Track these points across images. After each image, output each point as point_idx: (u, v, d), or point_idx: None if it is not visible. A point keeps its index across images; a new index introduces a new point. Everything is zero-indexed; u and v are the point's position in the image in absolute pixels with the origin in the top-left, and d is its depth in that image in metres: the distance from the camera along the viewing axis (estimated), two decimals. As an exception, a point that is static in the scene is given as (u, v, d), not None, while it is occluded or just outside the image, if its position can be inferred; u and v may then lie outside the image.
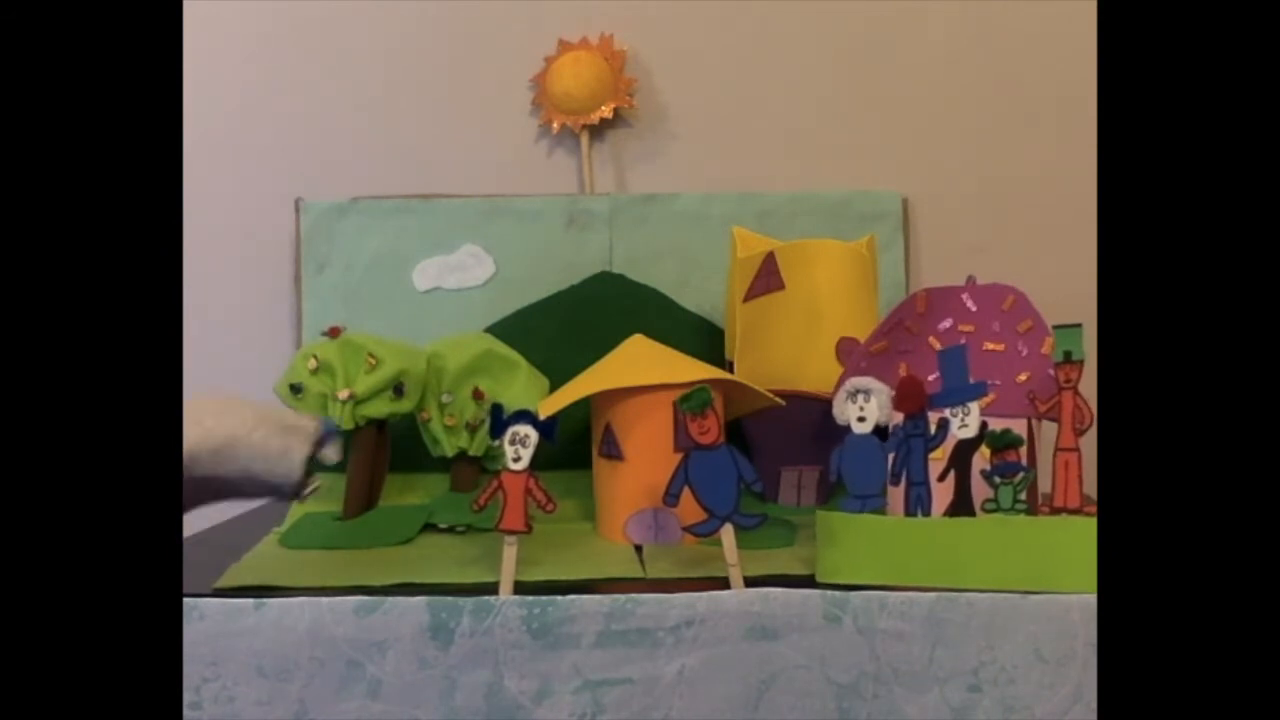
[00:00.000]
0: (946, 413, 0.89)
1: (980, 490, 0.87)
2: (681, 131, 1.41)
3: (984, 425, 0.88)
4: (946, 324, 1.03)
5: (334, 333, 1.06)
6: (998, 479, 0.86)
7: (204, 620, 0.77)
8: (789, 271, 1.12)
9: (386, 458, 1.10)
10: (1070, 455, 0.88)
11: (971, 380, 0.91)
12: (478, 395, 1.12)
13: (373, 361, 1.03)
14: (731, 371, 1.10)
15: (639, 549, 0.93)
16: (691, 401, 0.81)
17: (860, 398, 0.90)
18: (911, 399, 0.88)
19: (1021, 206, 1.40)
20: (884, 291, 1.22)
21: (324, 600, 0.78)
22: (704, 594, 0.78)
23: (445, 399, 1.11)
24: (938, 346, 1.00)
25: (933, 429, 0.88)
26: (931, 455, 0.88)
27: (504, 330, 1.26)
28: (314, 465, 0.81)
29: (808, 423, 1.06)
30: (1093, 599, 0.75)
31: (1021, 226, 1.39)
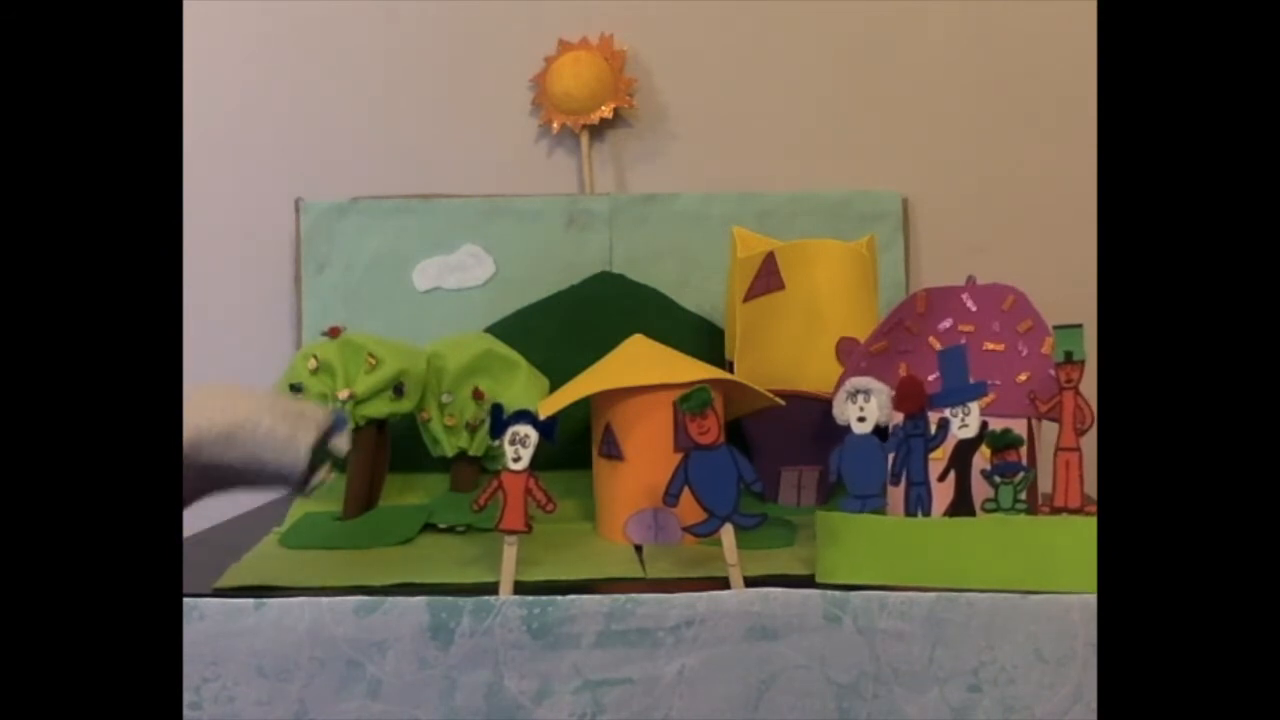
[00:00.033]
0: (946, 413, 0.89)
1: (980, 490, 0.87)
2: (681, 131, 1.41)
3: (984, 425, 0.88)
4: (946, 324, 1.03)
5: (334, 333, 1.06)
6: (998, 479, 0.86)
7: (204, 620, 0.77)
8: (789, 271, 1.12)
9: (386, 458, 1.11)
10: (1071, 455, 0.88)
11: (971, 380, 0.91)
12: (478, 395, 1.12)
13: (373, 361, 1.03)
14: (731, 371, 1.10)
15: (639, 549, 0.93)
16: (691, 401, 0.81)
17: (860, 398, 0.90)
18: (911, 399, 0.88)
19: (1021, 206, 1.40)
20: (884, 291, 1.22)
21: (324, 600, 0.78)
22: (704, 594, 0.78)
23: (445, 399, 1.11)
24: (938, 346, 1.00)
25: (933, 429, 0.88)
26: (931, 455, 0.88)
27: (504, 330, 1.26)
28: (322, 455, 0.80)
29: (808, 423, 1.06)
30: (1093, 599, 0.76)
31: (1021, 226, 1.39)
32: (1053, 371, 0.91)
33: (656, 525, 0.86)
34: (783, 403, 1.05)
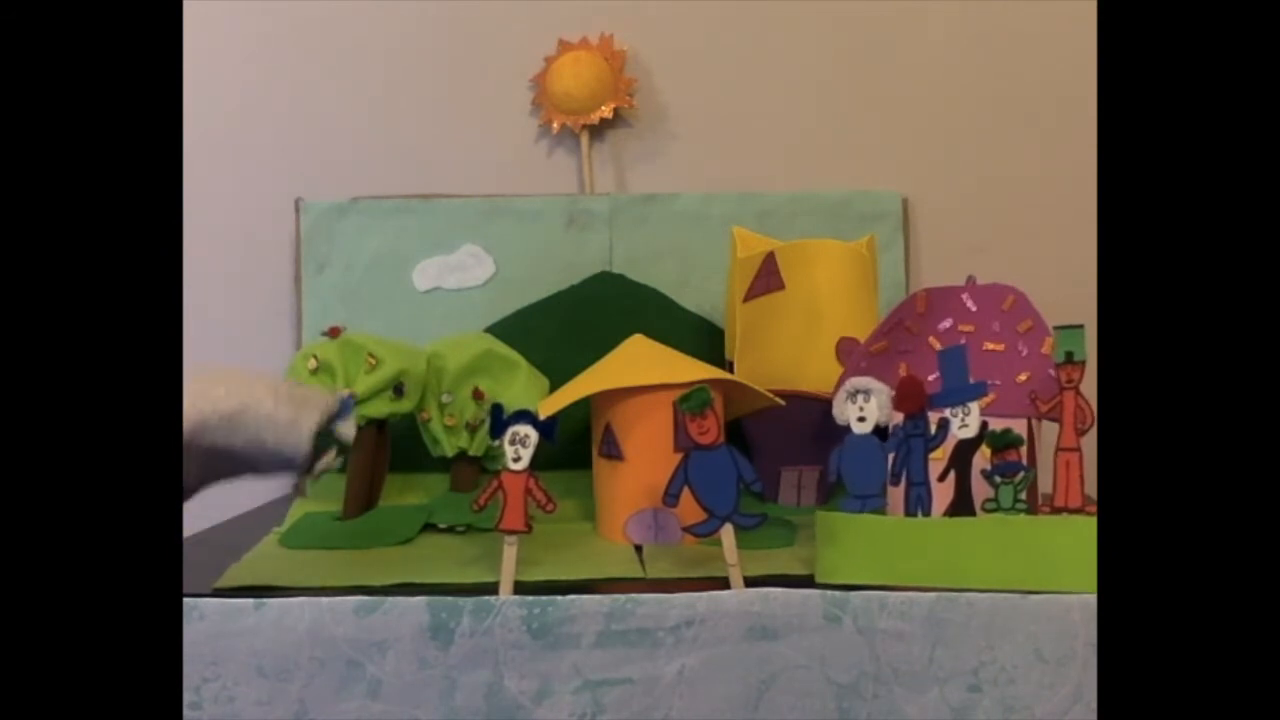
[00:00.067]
0: (946, 413, 0.89)
1: (980, 490, 0.87)
2: (681, 131, 1.41)
3: (984, 425, 0.88)
4: (946, 324, 1.03)
5: (334, 333, 1.06)
6: (998, 479, 0.86)
7: (204, 620, 0.77)
8: (789, 271, 1.12)
9: (386, 458, 1.11)
10: (1071, 455, 0.88)
11: (971, 380, 0.91)
12: (478, 395, 1.12)
13: (373, 361, 1.03)
14: (731, 371, 1.10)
15: (639, 549, 0.93)
16: (691, 401, 0.81)
17: (860, 398, 0.90)
18: (911, 399, 0.88)
19: (1021, 206, 1.40)
20: (884, 291, 1.22)
21: (324, 600, 0.78)
22: (704, 594, 0.78)
23: (445, 399, 1.11)
24: (938, 346, 1.00)
25: (933, 429, 0.88)
26: (932, 455, 0.88)
27: (504, 330, 1.26)
28: (327, 440, 0.80)
29: (808, 423, 1.06)
30: (1093, 599, 0.75)
31: (1021, 226, 1.39)
32: (1053, 371, 0.91)
33: (656, 525, 0.86)
34: (783, 403, 1.05)
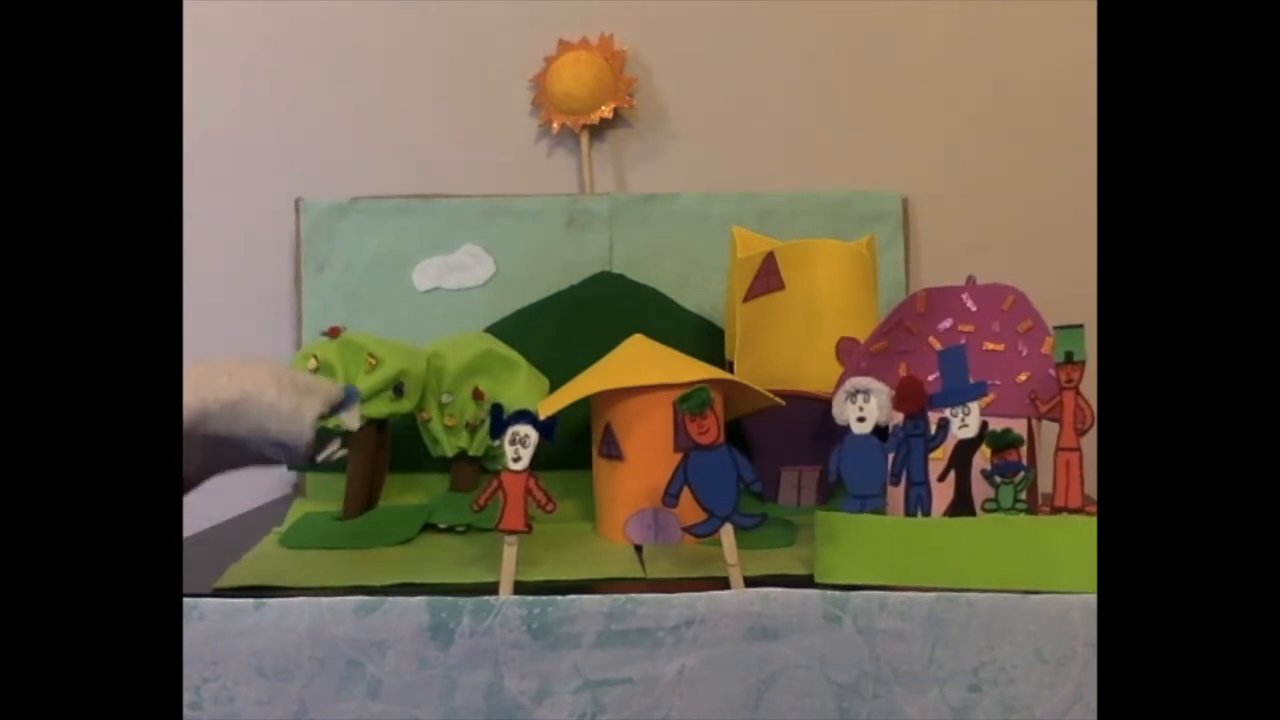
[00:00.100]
0: (946, 413, 0.89)
1: (980, 490, 0.87)
2: (681, 131, 1.41)
3: (984, 425, 0.88)
4: (946, 324, 1.03)
5: (334, 333, 1.06)
6: (998, 479, 0.86)
7: (204, 620, 0.77)
8: (789, 271, 1.12)
9: (386, 458, 1.11)
10: (1071, 455, 0.88)
11: (971, 380, 0.91)
12: (478, 395, 1.12)
13: (373, 361, 1.03)
14: (731, 371, 1.10)
15: (639, 549, 0.93)
16: (691, 401, 0.81)
17: (860, 398, 0.90)
18: (911, 399, 0.88)
19: (1021, 206, 1.40)
20: (884, 291, 1.22)
21: (324, 600, 0.78)
22: (704, 594, 0.78)
23: (445, 399, 1.11)
24: (938, 346, 1.00)
25: (933, 429, 0.88)
26: (931, 455, 0.88)
27: (504, 330, 1.26)
28: (330, 430, 0.80)
29: (808, 423, 1.06)
30: (1093, 599, 0.75)
31: (1021, 226, 1.39)
32: (1053, 371, 0.91)
33: (656, 525, 0.86)
34: (783, 403, 1.05)
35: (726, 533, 0.81)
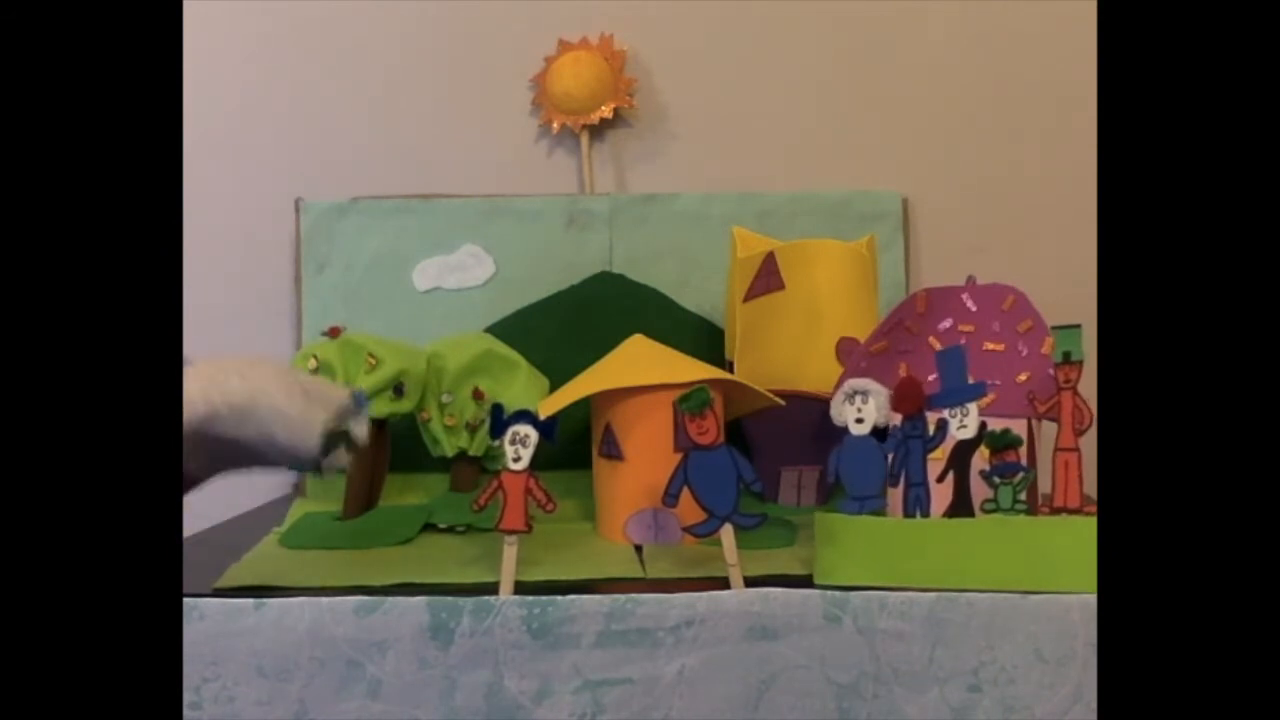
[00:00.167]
0: (945, 413, 0.89)
1: (979, 491, 0.87)
2: (681, 131, 1.41)
3: (983, 425, 0.88)
4: (946, 324, 1.03)
5: (334, 333, 1.06)
6: (997, 479, 0.86)
7: (204, 620, 0.77)
8: (789, 271, 1.12)
9: (386, 458, 1.11)
10: (1070, 455, 0.89)
11: (971, 380, 0.91)
12: (478, 395, 1.12)
13: (373, 361, 1.03)
14: (731, 371, 1.10)
15: (639, 549, 0.93)
16: (690, 402, 0.81)
17: (858, 399, 0.90)
18: (910, 400, 0.88)
19: (1021, 206, 1.40)
20: (884, 291, 1.22)
21: (324, 600, 0.78)
22: (704, 594, 0.78)
23: (445, 399, 1.11)
24: (938, 346, 1.00)
25: (931, 430, 0.88)
26: (931, 456, 0.88)
27: (504, 330, 1.26)
28: (338, 438, 0.79)
29: (808, 423, 1.06)
30: (1093, 599, 0.76)
31: (1021, 226, 1.39)
32: (1052, 372, 0.91)
33: (656, 525, 0.86)
34: (783, 403, 1.05)
35: (726, 533, 0.81)
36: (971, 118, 1.40)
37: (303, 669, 0.77)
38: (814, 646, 0.78)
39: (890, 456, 0.88)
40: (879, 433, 0.90)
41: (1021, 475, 0.86)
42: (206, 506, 0.97)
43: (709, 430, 0.81)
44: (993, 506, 0.86)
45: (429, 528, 1.03)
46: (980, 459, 0.88)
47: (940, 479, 0.88)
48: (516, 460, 0.81)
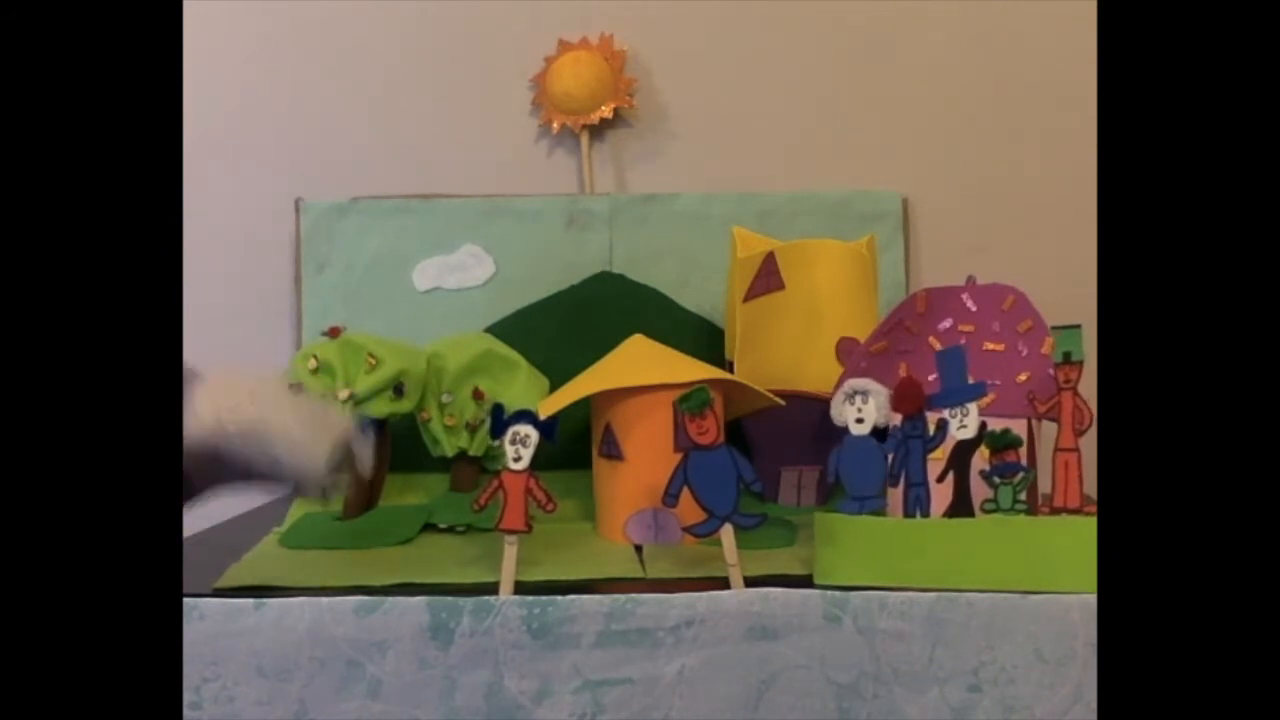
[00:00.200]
0: (945, 413, 0.89)
1: (979, 491, 0.87)
2: (681, 131, 1.41)
3: (983, 426, 0.88)
4: (946, 324, 1.03)
5: (334, 333, 1.06)
6: (997, 479, 0.86)
7: (204, 620, 0.77)
8: (789, 271, 1.12)
9: (386, 458, 1.11)
10: (1070, 455, 0.89)
11: (971, 380, 0.91)
12: (478, 395, 1.12)
13: (373, 361, 1.03)
14: (731, 371, 1.10)
15: (639, 549, 0.93)
16: (690, 402, 0.81)
17: (858, 399, 0.90)
18: (910, 400, 0.88)
19: (1021, 206, 1.40)
20: (884, 291, 1.22)
21: (324, 600, 0.78)
22: (704, 594, 0.78)
23: (445, 399, 1.11)
24: (938, 346, 1.00)
25: (931, 430, 0.88)
26: (931, 456, 0.88)
27: (504, 330, 1.26)
28: (341, 464, 0.80)
29: (808, 423, 1.06)
30: (1093, 599, 0.76)
31: (1021, 226, 1.39)
32: (1052, 372, 0.91)
33: (656, 525, 0.86)
34: (783, 403, 1.05)
35: (726, 533, 0.81)
36: (971, 118, 1.40)
37: (303, 669, 0.77)
38: (814, 646, 0.78)
39: (890, 456, 0.88)
40: (879, 433, 0.90)
41: (1021, 475, 0.86)
42: (207, 506, 0.97)
43: (709, 430, 0.81)
44: (993, 506, 0.86)
45: (429, 528, 1.03)
46: (980, 459, 0.88)
47: (940, 479, 0.88)
48: (517, 460, 0.81)
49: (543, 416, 0.82)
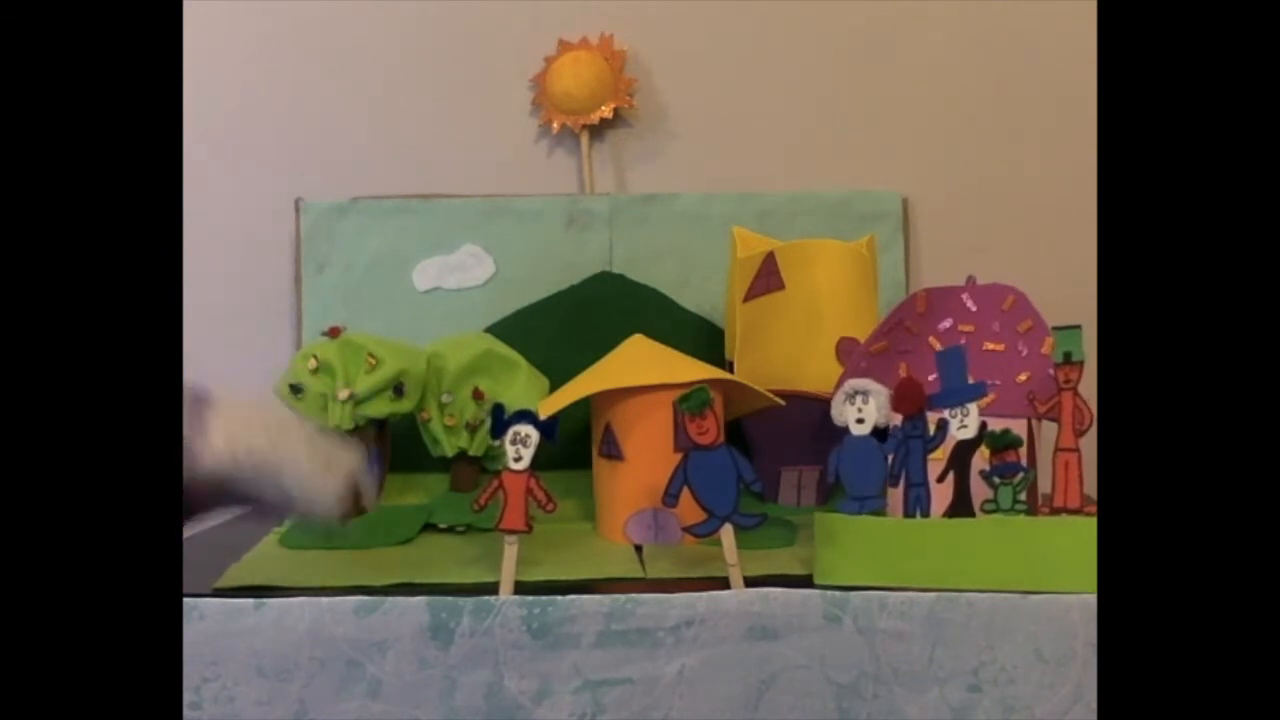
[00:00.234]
0: (945, 413, 0.89)
1: (979, 491, 0.87)
2: (681, 131, 1.41)
3: (983, 426, 0.88)
4: (946, 324, 1.03)
5: (334, 333, 1.06)
6: (997, 479, 0.86)
7: (204, 620, 0.77)
8: (789, 271, 1.12)
9: (386, 458, 1.11)
10: (1070, 455, 0.89)
11: (971, 380, 0.91)
12: (478, 395, 1.12)
13: (373, 361, 1.03)
14: (731, 371, 1.10)
15: (639, 549, 0.93)
16: (690, 402, 0.81)
17: (858, 399, 0.90)
18: (910, 400, 0.88)
19: (1021, 206, 1.40)
20: (884, 291, 1.22)
21: (324, 600, 0.78)
22: (704, 594, 0.78)
23: (445, 399, 1.11)
24: (938, 346, 1.00)
25: (931, 430, 0.88)
26: (931, 456, 0.88)
27: (504, 330, 1.26)
28: (350, 502, 0.81)
29: (808, 423, 1.06)
30: (1093, 599, 0.75)
31: (1021, 226, 1.39)
32: (1052, 372, 0.91)
33: (656, 525, 0.86)
34: (783, 403, 1.05)
35: (726, 533, 0.81)
36: (971, 118, 1.40)
37: (303, 669, 0.77)
38: (814, 646, 0.78)
39: (890, 456, 0.88)
40: (879, 433, 0.90)
41: (1021, 475, 0.86)
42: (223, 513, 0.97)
43: (709, 430, 0.81)
44: (993, 507, 0.86)
45: (429, 528, 1.03)
46: (980, 459, 0.88)
47: (940, 479, 0.88)
48: (517, 460, 0.81)
49: (543, 416, 0.82)
